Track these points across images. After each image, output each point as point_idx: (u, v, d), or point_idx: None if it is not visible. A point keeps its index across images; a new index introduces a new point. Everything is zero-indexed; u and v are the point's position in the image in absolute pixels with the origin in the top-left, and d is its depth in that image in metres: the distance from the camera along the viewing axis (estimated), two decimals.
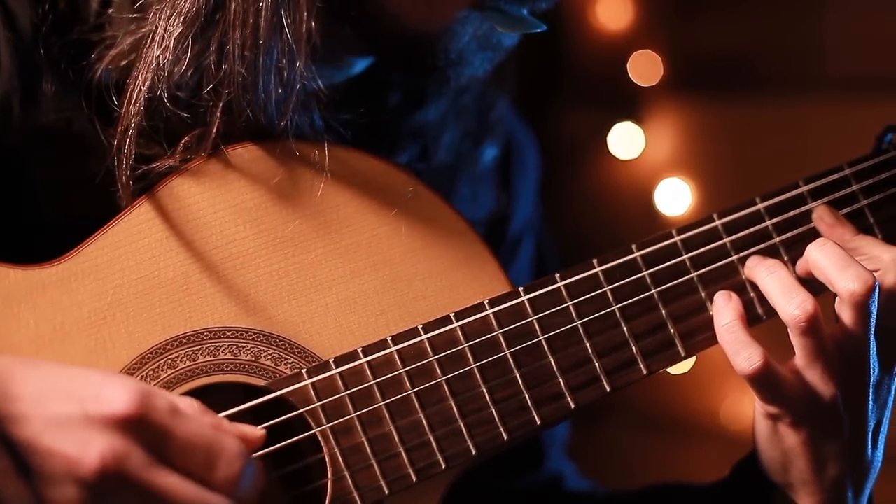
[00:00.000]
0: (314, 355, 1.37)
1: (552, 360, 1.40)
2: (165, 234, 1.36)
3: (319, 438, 1.35)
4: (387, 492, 1.36)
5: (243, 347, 1.36)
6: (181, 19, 1.35)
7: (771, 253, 1.46)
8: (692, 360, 1.47)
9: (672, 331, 1.43)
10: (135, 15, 1.40)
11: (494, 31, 1.49)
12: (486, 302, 1.40)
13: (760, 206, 1.47)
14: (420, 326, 1.38)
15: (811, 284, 1.41)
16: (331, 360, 1.36)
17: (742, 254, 1.46)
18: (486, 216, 1.72)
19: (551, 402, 1.40)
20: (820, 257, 1.40)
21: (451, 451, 1.37)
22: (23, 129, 1.41)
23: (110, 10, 1.43)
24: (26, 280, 1.32)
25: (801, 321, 1.36)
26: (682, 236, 1.45)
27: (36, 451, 1.15)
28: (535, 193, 1.86)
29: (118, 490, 1.16)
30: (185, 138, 1.37)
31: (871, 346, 1.40)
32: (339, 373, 1.36)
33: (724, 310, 1.42)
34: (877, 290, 1.37)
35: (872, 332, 1.39)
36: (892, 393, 1.46)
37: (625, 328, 1.42)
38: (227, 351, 1.36)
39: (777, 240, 1.47)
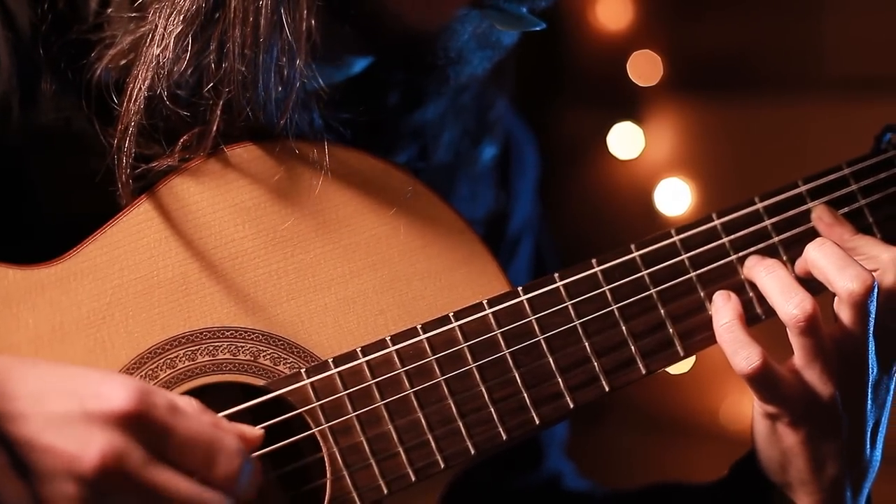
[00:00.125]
0: (313, 355, 1.37)
1: (551, 360, 1.40)
2: (165, 234, 1.36)
3: (318, 438, 1.35)
4: (386, 491, 1.36)
5: (242, 347, 1.36)
6: (181, 18, 1.35)
7: (770, 252, 1.46)
8: (691, 359, 1.47)
9: (671, 330, 1.43)
10: (134, 14, 1.40)
11: (494, 29, 1.49)
12: (484, 301, 1.40)
13: (759, 205, 1.47)
14: (419, 326, 1.38)
15: (810, 284, 1.41)
16: (330, 360, 1.36)
17: (741, 253, 1.46)
18: (485, 215, 1.72)
19: (550, 402, 1.40)
20: (819, 257, 1.40)
21: (449, 450, 1.37)
22: (22, 128, 1.41)
23: (109, 10, 1.43)
24: (25, 280, 1.32)
25: (800, 321, 1.36)
26: (681, 236, 1.45)
27: (35, 448, 1.15)
28: (534, 193, 1.86)
29: (118, 487, 1.16)
30: (185, 137, 1.37)
31: (870, 346, 1.40)
32: (338, 372, 1.36)
33: (723, 309, 1.42)
34: (875, 290, 1.37)
35: (871, 331, 1.39)
36: (891, 393, 1.46)
37: (624, 328, 1.42)
38: (226, 351, 1.36)
39: (776, 239, 1.47)
